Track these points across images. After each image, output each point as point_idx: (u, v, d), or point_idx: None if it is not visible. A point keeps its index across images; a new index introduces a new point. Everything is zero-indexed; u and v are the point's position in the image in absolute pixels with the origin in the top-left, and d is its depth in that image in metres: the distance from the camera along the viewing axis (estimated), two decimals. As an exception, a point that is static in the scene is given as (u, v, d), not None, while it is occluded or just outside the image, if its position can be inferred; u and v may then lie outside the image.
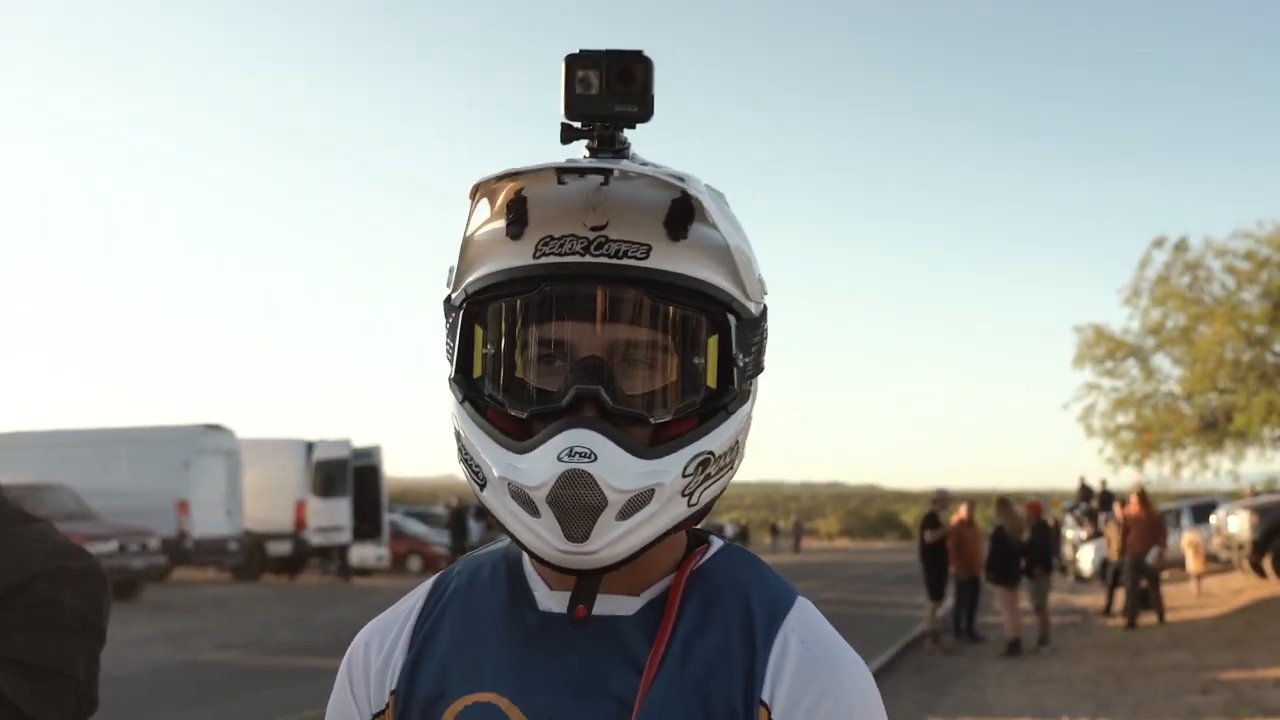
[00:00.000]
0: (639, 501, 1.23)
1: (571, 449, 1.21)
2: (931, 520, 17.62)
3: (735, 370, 1.29)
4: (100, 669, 1.97)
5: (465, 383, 1.30)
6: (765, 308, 1.37)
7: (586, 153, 1.29)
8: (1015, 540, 17.00)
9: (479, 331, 1.30)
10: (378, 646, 1.43)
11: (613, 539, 1.23)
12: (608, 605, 1.33)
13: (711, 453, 1.28)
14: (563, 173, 1.23)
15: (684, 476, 1.26)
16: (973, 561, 17.40)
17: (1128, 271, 36.42)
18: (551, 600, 1.36)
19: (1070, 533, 32.06)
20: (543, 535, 1.23)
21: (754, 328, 1.32)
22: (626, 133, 1.30)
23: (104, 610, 1.92)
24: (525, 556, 1.41)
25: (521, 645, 1.34)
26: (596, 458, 1.21)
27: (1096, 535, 27.46)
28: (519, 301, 1.27)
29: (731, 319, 1.29)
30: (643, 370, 1.27)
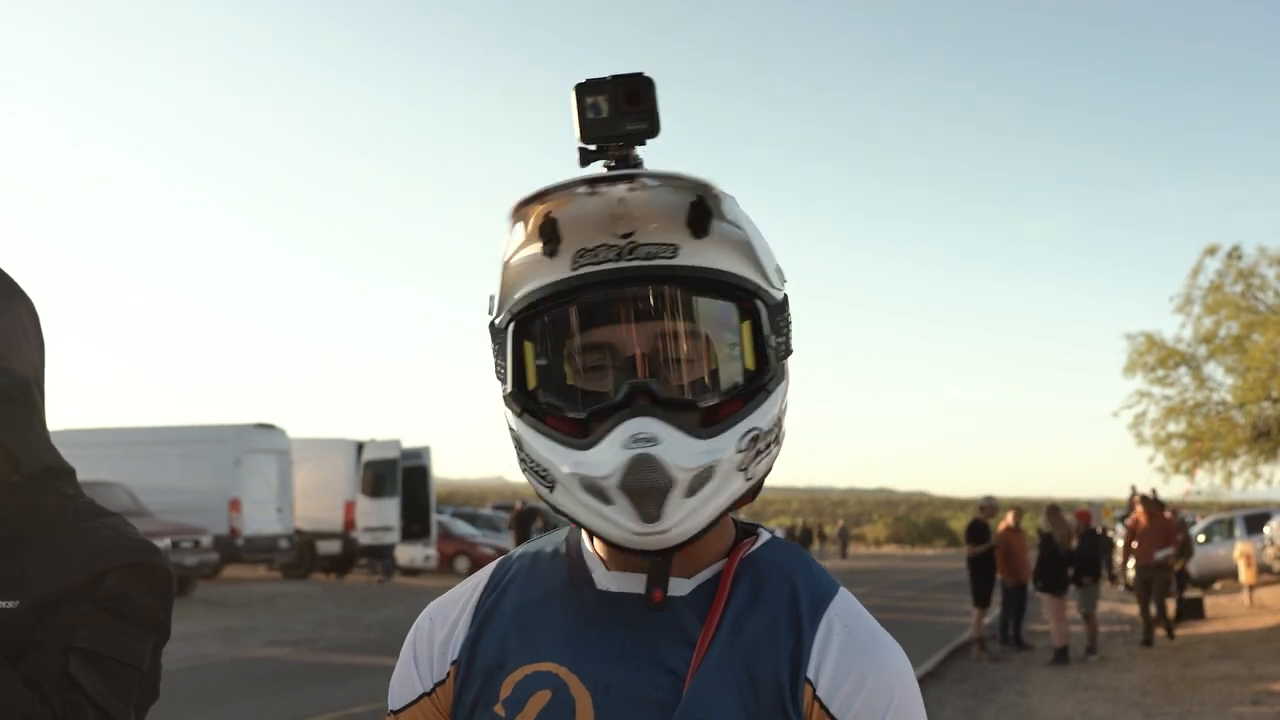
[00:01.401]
0: (703, 478, 1.31)
1: (634, 436, 1.29)
2: (977, 529, 17.50)
3: (770, 351, 1.38)
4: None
5: (522, 396, 1.39)
6: (786, 294, 1.45)
7: (605, 171, 1.37)
8: (1064, 548, 16.88)
9: (529, 346, 1.39)
10: (441, 621, 1.52)
11: (683, 516, 1.31)
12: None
13: (759, 428, 1.36)
14: (594, 183, 1.30)
15: (738, 453, 1.34)
16: (1020, 569, 17.28)
17: (1179, 279, 36.05)
18: (609, 580, 1.45)
19: (1120, 541, 31.76)
20: (618, 521, 1.31)
21: (780, 311, 1.41)
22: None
23: (170, 606, 2.00)
24: (584, 540, 1.50)
25: (580, 620, 1.43)
26: (659, 441, 1.29)
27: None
28: (566, 311, 1.36)
29: (760, 305, 1.38)
30: (685, 360, 1.35)
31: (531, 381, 1.38)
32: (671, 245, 1.34)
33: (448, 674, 1.48)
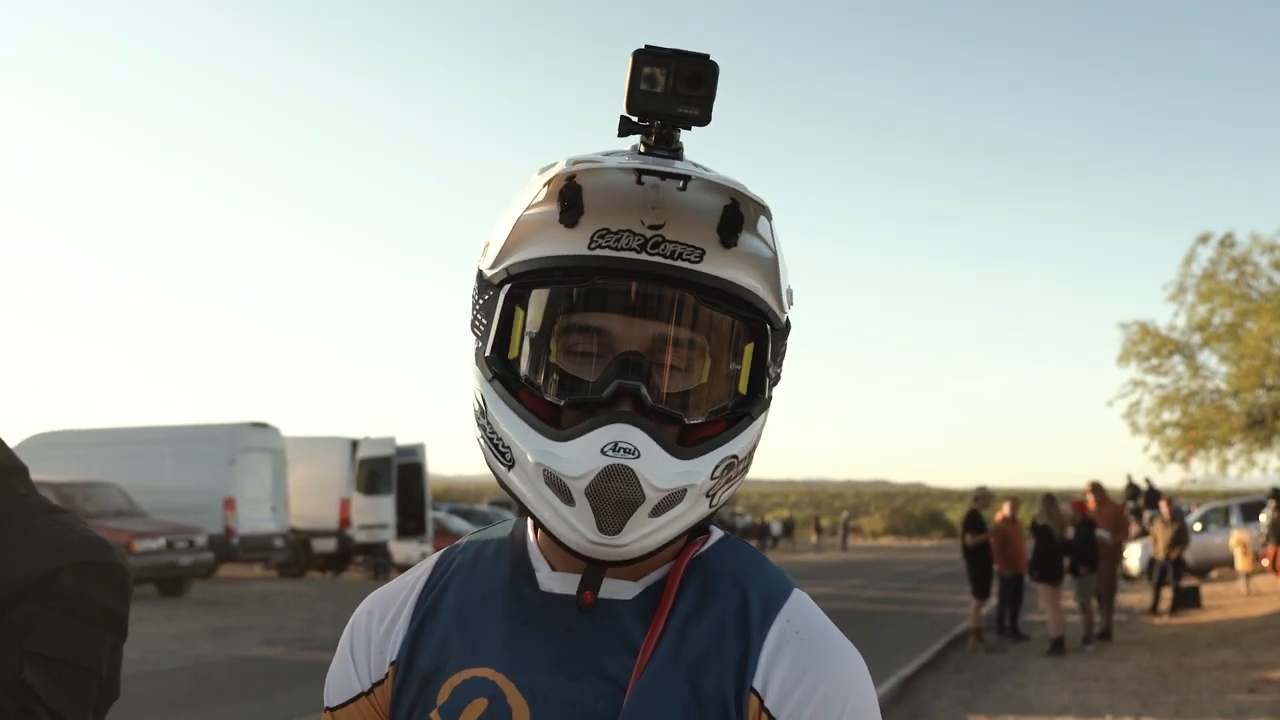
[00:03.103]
0: (672, 500, 1.25)
1: (616, 444, 1.23)
2: (973, 519, 17.47)
3: (767, 379, 1.33)
4: (147, 663, 1.99)
5: (499, 362, 1.32)
6: (789, 320, 1.38)
7: (641, 148, 1.30)
8: (1059, 537, 16.85)
9: (519, 313, 1.31)
10: (380, 616, 1.45)
11: (643, 534, 1.25)
12: (607, 589, 1.35)
13: (736, 456, 1.31)
14: (643, 174, 1.25)
15: (712, 478, 1.28)
16: (1016, 559, 17.26)
17: (1172, 268, 36.05)
18: (553, 581, 1.37)
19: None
20: (575, 524, 1.25)
21: (783, 337, 1.36)
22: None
23: (127, 604, 1.94)
24: (530, 537, 1.43)
25: (520, 623, 1.36)
26: (640, 455, 1.23)
27: (1143, 534, 27.21)
28: (571, 290, 1.28)
29: (769, 329, 1.32)
30: (680, 370, 1.29)
31: (514, 351, 1.31)
32: (699, 249, 1.27)
33: (386, 675, 1.42)
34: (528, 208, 1.31)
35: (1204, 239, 26.26)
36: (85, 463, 24.84)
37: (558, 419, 1.28)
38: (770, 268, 1.31)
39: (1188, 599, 21.53)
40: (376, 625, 1.45)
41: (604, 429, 1.23)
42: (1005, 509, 17.56)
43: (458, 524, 33.87)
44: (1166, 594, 21.39)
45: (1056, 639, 16.05)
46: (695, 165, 1.29)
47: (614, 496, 1.23)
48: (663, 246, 1.27)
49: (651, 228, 1.27)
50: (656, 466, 1.23)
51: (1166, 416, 27.51)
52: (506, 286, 1.31)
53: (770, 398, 1.36)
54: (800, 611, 1.37)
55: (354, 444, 28.86)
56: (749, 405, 1.32)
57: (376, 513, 28.21)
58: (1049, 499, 17.62)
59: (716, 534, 1.44)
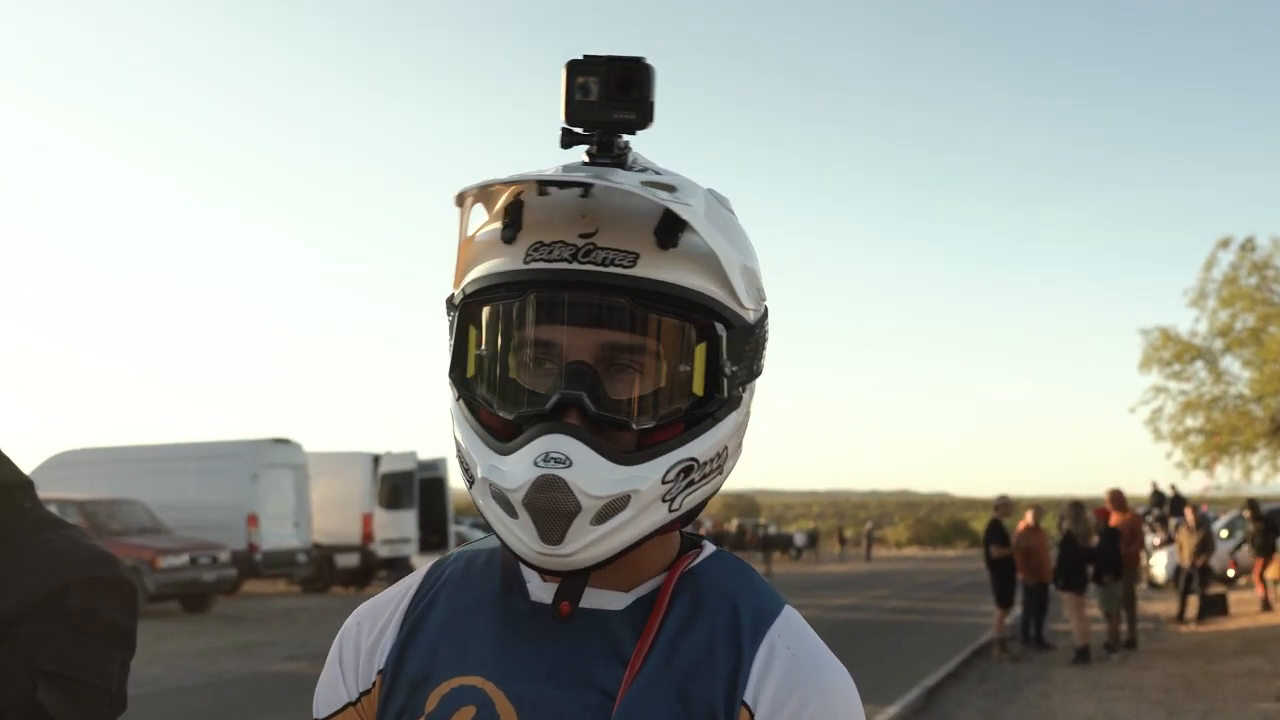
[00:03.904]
0: (614, 507, 1.24)
1: (547, 454, 1.22)
2: (996, 529, 17.39)
3: (724, 379, 1.29)
4: (171, 680, 1.97)
5: (460, 382, 1.33)
6: (765, 312, 1.37)
7: (586, 158, 1.31)
8: (1084, 545, 16.75)
9: (472, 332, 1.32)
10: (369, 626, 1.45)
11: (587, 543, 1.24)
12: (598, 600, 1.35)
13: (695, 459, 1.28)
14: (544, 185, 1.25)
15: (664, 483, 1.26)
16: (1041, 568, 17.15)
17: (1193, 273, 35.87)
18: (544, 591, 1.37)
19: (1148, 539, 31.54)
20: (520, 537, 1.25)
21: (748, 335, 1.32)
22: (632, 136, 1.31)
23: (135, 618, 1.93)
24: None
25: (511, 632, 1.36)
26: (571, 464, 1.22)
27: (1169, 541, 27.04)
28: (509, 305, 1.29)
29: (720, 327, 1.28)
30: (629, 376, 1.27)
31: (470, 369, 1.32)
32: (631, 254, 1.25)
33: (373, 683, 1.42)
34: (479, 227, 1.33)
35: (1225, 243, 26.16)
36: (109, 480, 24.96)
37: (514, 434, 1.28)
38: (717, 265, 1.28)
39: (1214, 606, 21.38)
40: (365, 635, 1.44)
41: (539, 440, 1.23)
42: (1028, 518, 17.47)
43: (479, 538, 33.81)
44: (1193, 602, 21.25)
45: (1081, 648, 15.95)
46: (645, 169, 1.30)
47: (548, 506, 1.22)
48: (594, 254, 1.25)
49: (583, 236, 1.26)
50: (592, 475, 1.22)
51: (1189, 423, 27.39)
52: (459, 308, 1.33)
53: (739, 397, 1.32)
54: (790, 628, 1.36)
55: (376, 459, 28.87)
56: (708, 407, 1.29)
57: (399, 527, 28.24)
58: (1075, 505, 17.49)
59: (709, 548, 1.43)
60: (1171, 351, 27.01)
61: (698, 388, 1.28)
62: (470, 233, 1.33)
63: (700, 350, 1.28)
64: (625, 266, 1.25)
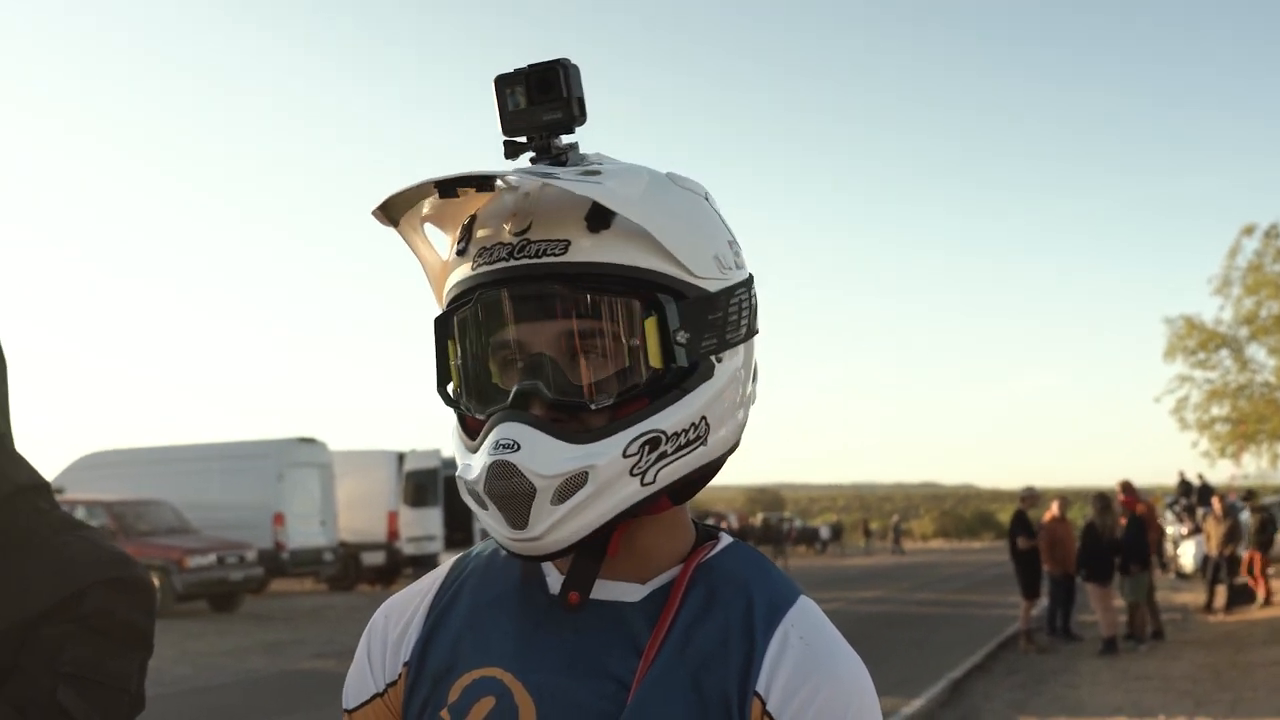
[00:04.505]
0: (573, 485, 1.26)
1: (498, 442, 1.27)
2: (1021, 521, 17.34)
3: (679, 348, 1.30)
4: (199, 679, 1.98)
5: (445, 395, 1.39)
6: (744, 280, 1.39)
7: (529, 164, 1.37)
8: (1107, 536, 16.68)
9: (451, 346, 1.38)
10: (396, 619, 1.50)
11: (552, 524, 1.27)
12: (614, 591, 1.38)
13: (663, 431, 1.30)
14: (441, 185, 1.29)
15: (625, 457, 1.28)
16: (1067, 559, 17.10)
17: (1217, 261, 35.67)
18: (561, 584, 1.41)
19: (1171, 529, 31.41)
20: (494, 527, 1.31)
21: (709, 304, 1.33)
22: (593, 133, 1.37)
23: (153, 620, 1.93)
24: None
25: (530, 624, 1.40)
26: (520, 447, 1.26)
27: (1196, 531, 26.92)
28: (464, 313, 1.35)
29: (667, 298, 1.30)
30: (586, 359, 1.30)
31: (454, 380, 1.38)
32: (563, 241, 1.28)
33: (399, 675, 1.46)
34: (450, 249, 1.40)
35: (1249, 231, 26.02)
36: (136, 481, 25.14)
37: None
38: (649, 240, 1.30)
39: (1242, 596, 21.29)
40: (392, 628, 1.49)
41: (493, 432, 1.28)
42: (1054, 509, 17.41)
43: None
44: (1221, 591, 21.16)
45: (1108, 639, 15.90)
46: (590, 161, 1.36)
47: (503, 492, 1.26)
48: (528, 248, 1.29)
49: (517, 234, 1.30)
50: (540, 455, 1.25)
51: (1215, 411, 27.26)
52: (436, 326, 1.39)
53: (711, 366, 1.33)
54: (804, 618, 1.38)
55: (400, 457, 29.00)
56: (667, 379, 1.31)
57: (424, 525, 28.34)
58: (1102, 498, 17.37)
59: (725, 540, 1.46)
60: (1196, 340, 26.86)
61: (654, 360, 1.30)
62: (447, 256, 1.40)
63: (651, 324, 1.29)
64: (557, 255, 1.28)
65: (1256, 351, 26.84)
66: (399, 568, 29.08)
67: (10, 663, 1.78)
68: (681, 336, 1.30)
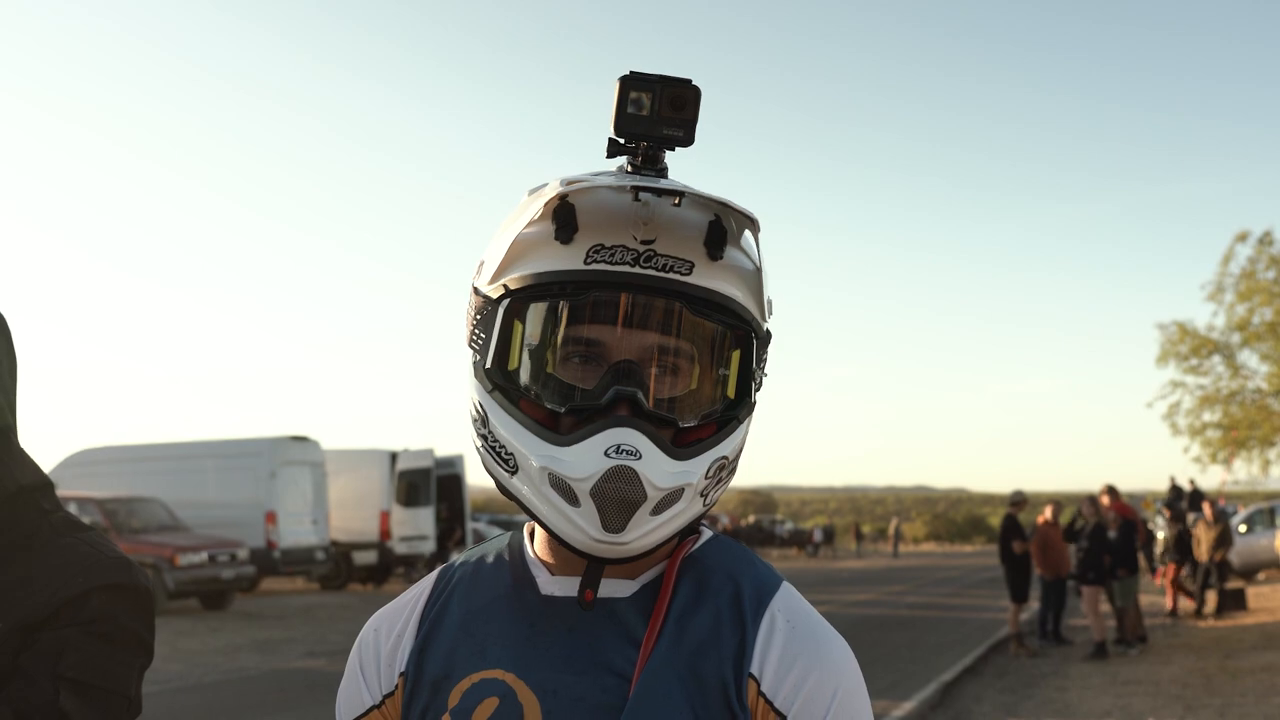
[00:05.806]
0: (671, 499, 1.33)
1: (619, 446, 1.30)
2: (1012, 525, 17.34)
3: (752, 384, 1.40)
4: (191, 677, 1.97)
5: (499, 374, 1.38)
6: (769, 330, 1.46)
7: (628, 168, 1.38)
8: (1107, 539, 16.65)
9: (518, 327, 1.38)
10: (387, 631, 1.52)
11: (645, 532, 1.32)
12: (606, 588, 1.42)
13: (726, 457, 1.39)
14: (639, 190, 1.32)
15: (705, 478, 1.36)
16: (1058, 563, 17.12)
17: (1210, 267, 35.73)
18: (553, 585, 1.45)
19: (1162, 534, 31.34)
20: (580, 524, 1.32)
21: (765, 345, 1.43)
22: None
23: (153, 627, 1.93)
24: (527, 545, 1.51)
25: (526, 627, 1.43)
26: (641, 456, 1.30)
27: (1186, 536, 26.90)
28: (570, 303, 1.35)
29: (753, 337, 1.40)
30: (672, 377, 1.36)
31: (514, 362, 1.37)
32: (688, 262, 1.35)
33: (396, 685, 1.48)
34: (525, 226, 1.37)
35: (1242, 237, 26.07)
36: (128, 478, 25.08)
37: (556, 426, 1.35)
38: (753, 279, 1.39)
39: (1233, 601, 21.32)
40: (384, 640, 1.52)
41: (606, 433, 1.30)
42: (1047, 513, 17.42)
43: (495, 536, 33.84)
44: (1211, 596, 21.19)
45: (1099, 643, 15.93)
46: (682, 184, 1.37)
47: (617, 496, 1.30)
48: (655, 260, 1.34)
49: (644, 243, 1.34)
50: (656, 467, 1.31)
51: (1207, 417, 27.31)
52: (505, 301, 1.37)
53: (755, 402, 1.43)
54: (789, 602, 1.44)
55: (393, 456, 28.96)
56: (736, 409, 1.40)
57: (416, 524, 28.33)
58: (1095, 501, 17.35)
59: (706, 533, 1.52)
60: (1189, 346, 26.92)
61: (731, 391, 1.39)
62: (517, 229, 1.38)
63: (736, 356, 1.39)
64: (683, 274, 1.35)
65: (1249, 358, 26.95)
66: (391, 567, 29.06)
67: (11, 665, 1.78)
68: (758, 375, 1.41)
